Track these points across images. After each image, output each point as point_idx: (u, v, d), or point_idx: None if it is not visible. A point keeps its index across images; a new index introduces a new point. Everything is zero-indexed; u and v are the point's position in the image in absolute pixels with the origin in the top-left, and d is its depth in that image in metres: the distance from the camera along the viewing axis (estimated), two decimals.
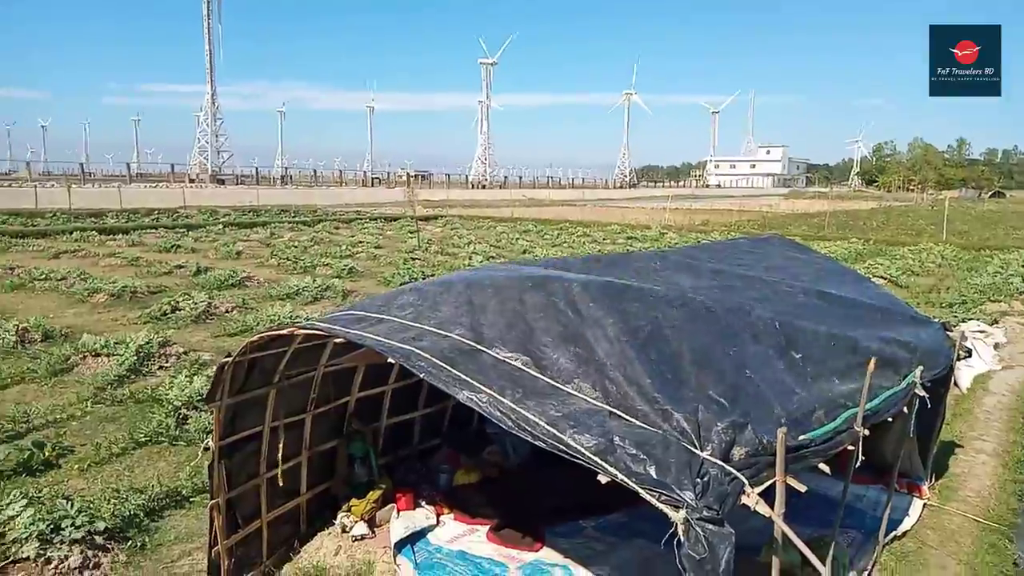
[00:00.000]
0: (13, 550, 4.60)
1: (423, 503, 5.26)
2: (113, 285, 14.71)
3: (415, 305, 4.10)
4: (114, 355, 9.35)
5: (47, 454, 6.38)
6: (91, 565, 4.71)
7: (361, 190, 76.84)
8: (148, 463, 6.48)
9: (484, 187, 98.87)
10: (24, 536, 4.66)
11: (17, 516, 4.82)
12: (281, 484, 4.81)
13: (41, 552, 4.60)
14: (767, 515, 2.97)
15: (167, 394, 7.72)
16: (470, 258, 21.72)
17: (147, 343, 9.57)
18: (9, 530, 4.73)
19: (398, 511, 5.10)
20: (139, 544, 5.08)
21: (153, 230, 29.85)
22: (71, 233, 27.06)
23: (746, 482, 2.95)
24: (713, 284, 5.20)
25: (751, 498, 2.94)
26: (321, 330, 4.01)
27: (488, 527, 4.97)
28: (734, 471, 2.97)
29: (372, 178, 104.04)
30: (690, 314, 4.28)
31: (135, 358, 9.15)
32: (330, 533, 5.01)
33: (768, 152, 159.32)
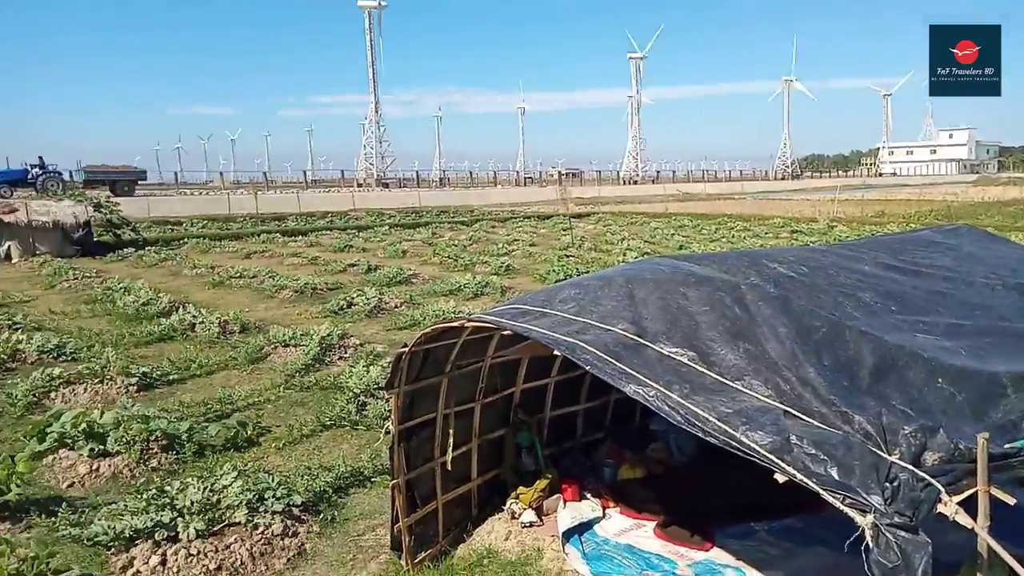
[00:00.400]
0: (228, 515, 5.21)
1: (588, 495, 5.35)
2: (296, 282, 16.15)
3: (577, 299, 4.15)
4: (300, 346, 10.27)
5: (249, 433, 7.14)
6: (290, 533, 5.23)
7: (514, 189, 78.50)
8: (333, 444, 7.08)
9: (636, 183, 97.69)
10: (236, 503, 5.26)
11: (229, 486, 5.45)
12: (451, 469, 5.09)
13: (250, 519, 5.18)
14: (969, 527, 2.75)
15: (347, 382, 8.36)
16: (624, 254, 21.58)
17: (328, 335, 10.40)
18: (223, 497, 5.36)
19: (564, 501, 5.22)
20: (329, 517, 5.57)
21: (328, 231, 32.37)
22: (258, 235, 29.95)
23: (942, 489, 2.76)
24: (896, 277, 4.85)
25: (949, 507, 2.74)
26: (489, 323, 4.21)
27: (655, 523, 4.97)
28: (928, 477, 2.79)
29: (525, 177, 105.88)
30: (870, 314, 4.04)
31: (318, 349, 9.98)
32: (500, 518, 5.23)
33: (951, 136, 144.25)
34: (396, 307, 13.84)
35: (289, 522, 5.32)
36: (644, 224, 35.05)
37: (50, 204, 25.43)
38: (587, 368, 3.54)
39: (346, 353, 10.25)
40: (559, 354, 3.94)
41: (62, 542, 5.09)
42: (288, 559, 5.03)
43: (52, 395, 8.37)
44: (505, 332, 4.13)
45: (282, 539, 5.16)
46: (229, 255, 23.99)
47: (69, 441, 6.59)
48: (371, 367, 8.75)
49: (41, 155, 48.17)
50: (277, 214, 41.41)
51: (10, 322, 12.16)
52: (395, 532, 4.83)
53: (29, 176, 46.02)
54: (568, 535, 4.87)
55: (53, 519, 5.41)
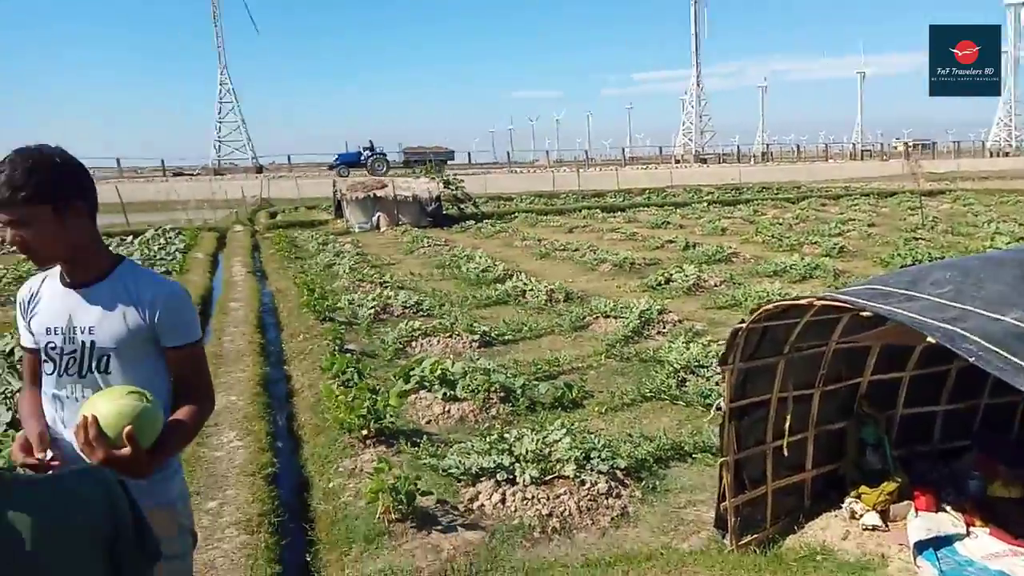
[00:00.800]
0: (557, 467, 5.56)
1: (948, 508, 4.65)
2: (615, 256, 16.59)
3: (954, 282, 3.59)
4: (620, 318, 10.53)
5: (574, 395, 7.52)
6: (614, 494, 5.41)
7: (850, 164, 71.44)
8: (653, 416, 7.14)
9: (1007, 155, 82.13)
10: (565, 458, 5.59)
11: (559, 441, 5.81)
12: (786, 455, 4.79)
13: (577, 474, 5.46)
14: None
15: (667, 357, 8.36)
16: (991, 239, 18.24)
17: (647, 309, 10.51)
18: (553, 451, 5.73)
19: (916, 510, 4.61)
20: (650, 485, 5.63)
21: (645, 208, 32.75)
22: (580, 211, 31.40)
23: None
24: None
25: None
26: (844, 302, 3.82)
27: None
28: None
29: (862, 151, 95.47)
30: None
31: (638, 322, 10.13)
32: (836, 515, 4.80)
33: None
34: (715, 285, 13.47)
35: (613, 483, 5.50)
36: (1018, 204, 29.31)
37: (411, 181, 29.74)
38: (969, 359, 3.03)
39: (664, 328, 10.25)
40: (928, 344, 3.45)
41: (422, 469, 5.89)
42: (612, 518, 5.20)
43: (413, 344, 9.74)
44: (864, 314, 3.73)
45: (607, 498, 5.36)
46: (553, 229, 25.55)
47: (427, 384, 7.60)
48: (691, 344, 8.64)
49: (371, 139, 57.42)
50: (597, 191, 43.10)
51: (382, 280, 14.48)
52: (720, 510, 4.71)
53: (362, 157, 54.65)
54: (920, 547, 4.28)
55: (416, 448, 6.30)
